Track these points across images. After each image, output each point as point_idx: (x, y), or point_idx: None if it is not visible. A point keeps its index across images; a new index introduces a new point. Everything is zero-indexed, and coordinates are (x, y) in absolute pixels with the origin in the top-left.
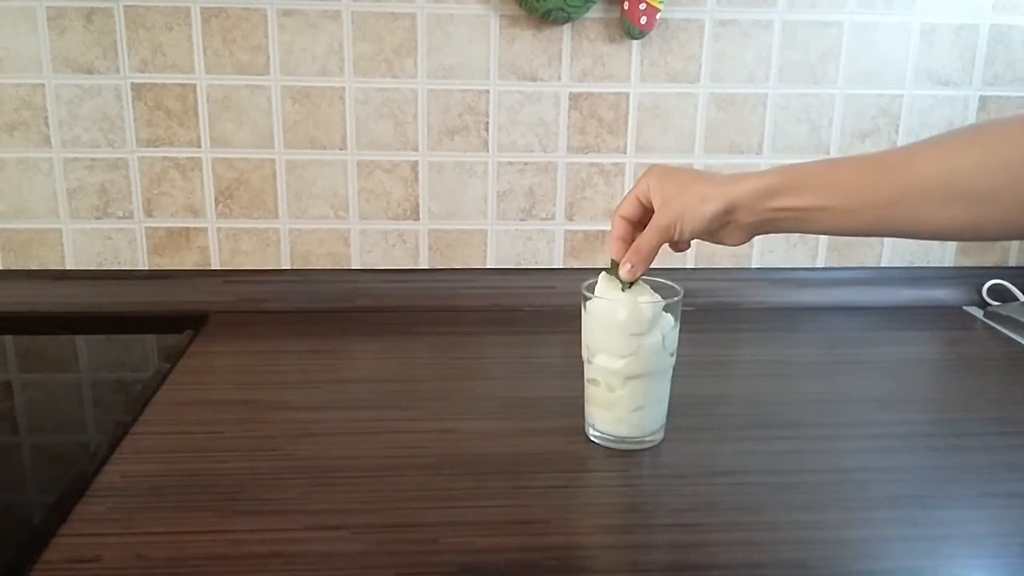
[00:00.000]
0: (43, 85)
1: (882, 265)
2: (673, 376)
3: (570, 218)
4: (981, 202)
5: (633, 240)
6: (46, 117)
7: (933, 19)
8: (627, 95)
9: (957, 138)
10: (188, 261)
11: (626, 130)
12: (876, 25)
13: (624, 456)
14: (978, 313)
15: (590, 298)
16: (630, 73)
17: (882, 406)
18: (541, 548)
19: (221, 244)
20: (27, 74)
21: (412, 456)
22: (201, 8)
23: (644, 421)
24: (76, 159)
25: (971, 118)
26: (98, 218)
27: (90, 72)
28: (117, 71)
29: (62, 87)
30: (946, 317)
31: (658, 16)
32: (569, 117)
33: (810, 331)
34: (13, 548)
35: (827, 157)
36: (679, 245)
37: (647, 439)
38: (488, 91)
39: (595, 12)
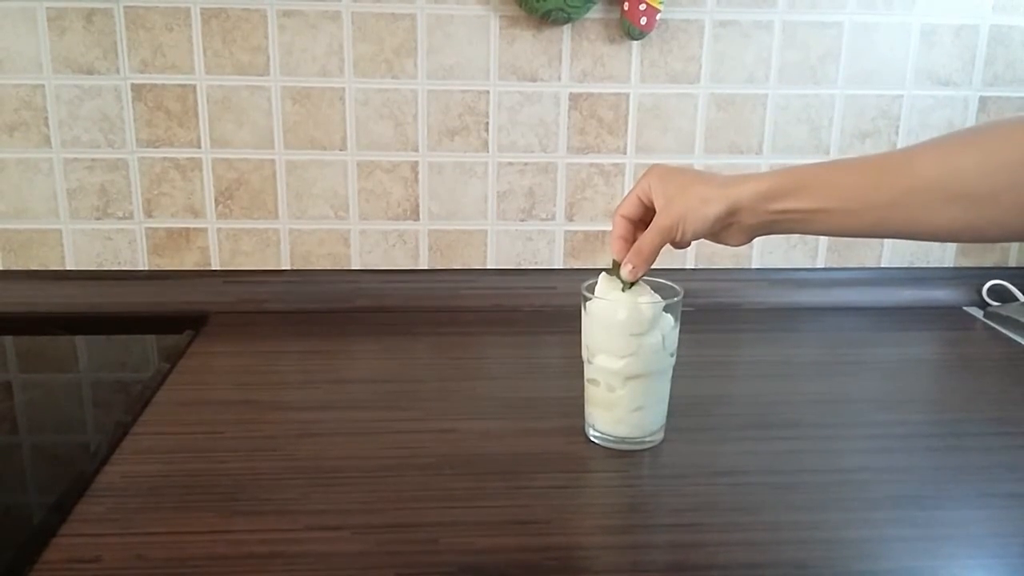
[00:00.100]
0: (43, 85)
1: (882, 265)
2: (673, 376)
3: (570, 218)
4: (981, 204)
5: (634, 239)
6: (46, 117)
7: (933, 19)
8: (627, 95)
9: (957, 140)
10: (188, 261)
11: (626, 130)
12: (876, 25)
13: (624, 456)
14: (978, 313)
15: (590, 298)
16: (630, 74)
17: (882, 406)
18: (541, 548)
19: (221, 244)
20: (27, 74)
21: (412, 456)
22: (201, 9)
23: (644, 421)
24: (76, 159)
25: (971, 118)
26: (98, 218)
27: (90, 72)
28: (117, 71)
29: (62, 87)
30: (946, 317)
31: (658, 17)
32: (569, 117)
33: (810, 331)
34: (13, 548)
35: (828, 159)
36: (680, 244)
37: (647, 439)
38: (488, 91)
39: (595, 12)
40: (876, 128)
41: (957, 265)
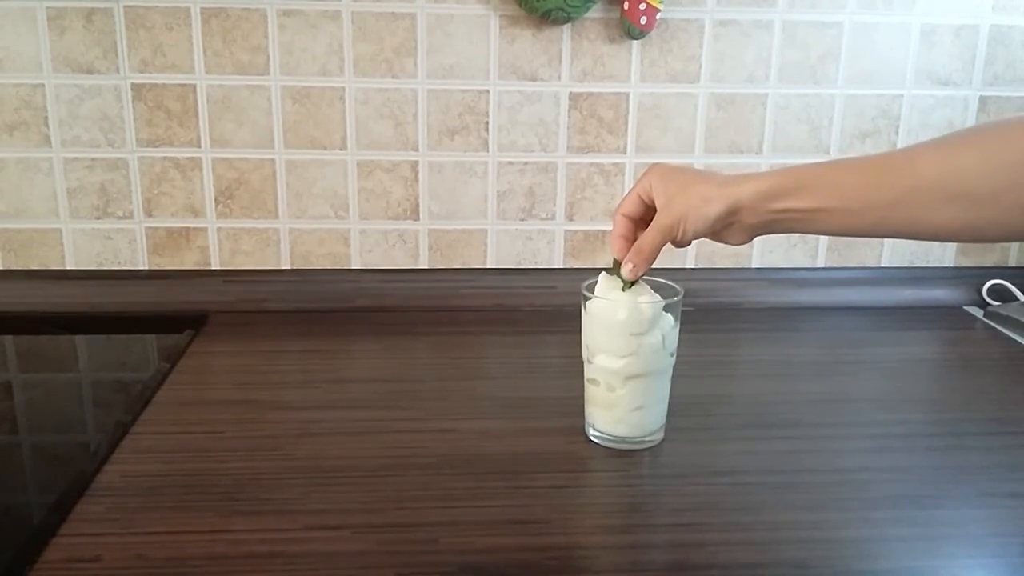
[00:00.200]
0: (43, 85)
1: (882, 265)
2: (673, 376)
3: (570, 218)
4: (981, 204)
5: (635, 238)
6: (46, 117)
7: (933, 19)
8: (627, 95)
9: (957, 140)
10: (188, 261)
11: (626, 130)
12: (876, 25)
13: (624, 456)
14: (978, 313)
15: (590, 298)
16: (630, 73)
17: (882, 406)
18: (541, 548)
19: (221, 244)
20: (27, 74)
21: (412, 456)
22: (201, 8)
23: (644, 421)
24: (76, 159)
25: (971, 118)
26: (98, 218)
27: (90, 72)
28: (117, 71)
29: (62, 87)
30: (946, 317)
31: (658, 16)
32: (569, 117)
33: (810, 331)
34: (13, 548)
35: (828, 158)
36: (681, 243)
37: (647, 439)
38: (488, 91)
39: (595, 12)
40: (876, 128)
41: (957, 265)
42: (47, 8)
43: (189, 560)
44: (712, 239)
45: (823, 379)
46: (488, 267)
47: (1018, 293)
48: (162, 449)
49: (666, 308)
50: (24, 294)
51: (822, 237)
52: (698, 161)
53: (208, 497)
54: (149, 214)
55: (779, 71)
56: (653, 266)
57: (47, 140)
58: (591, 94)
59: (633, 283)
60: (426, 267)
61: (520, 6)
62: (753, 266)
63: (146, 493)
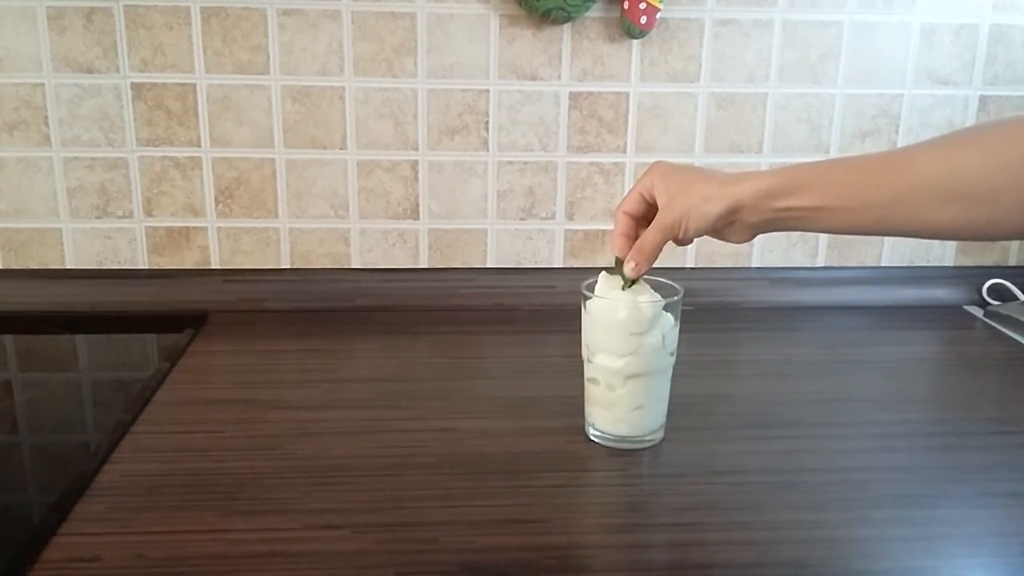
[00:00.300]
0: (43, 85)
1: (882, 264)
2: (673, 375)
3: (570, 217)
4: (981, 203)
5: (636, 236)
6: (46, 116)
7: (933, 19)
8: (627, 94)
9: (958, 139)
10: (188, 260)
11: (626, 129)
12: (876, 25)
13: (624, 455)
14: (978, 312)
15: (590, 297)
16: (630, 72)
17: (882, 405)
18: (541, 547)
19: (221, 244)
20: (27, 74)
21: (412, 455)
22: (201, 8)
23: (644, 420)
24: (76, 158)
25: (971, 118)
26: (98, 217)
27: (90, 72)
28: (117, 71)
29: (62, 87)
30: (946, 317)
31: (658, 15)
32: (569, 116)
33: (810, 331)
34: (13, 548)
35: (829, 157)
36: (682, 241)
37: (647, 438)
38: (488, 91)
39: (595, 11)
40: (876, 127)
41: (957, 264)
42: (47, 8)
43: (189, 560)
44: (713, 237)
45: (823, 379)
46: (488, 267)
47: (1018, 292)
48: (162, 449)
49: (666, 308)
50: (24, 294)
51: (822, 237)
52: (698, 161)
53: (208, 497)
54: (149, 213)
55: (779, 70)
56: (654, 265)
57: (47, 140)
58: (591, 93)
59: (633, 282)
60: (426, 267)
61: (520, 5)
62: (753, 265)
63: (146, 493)
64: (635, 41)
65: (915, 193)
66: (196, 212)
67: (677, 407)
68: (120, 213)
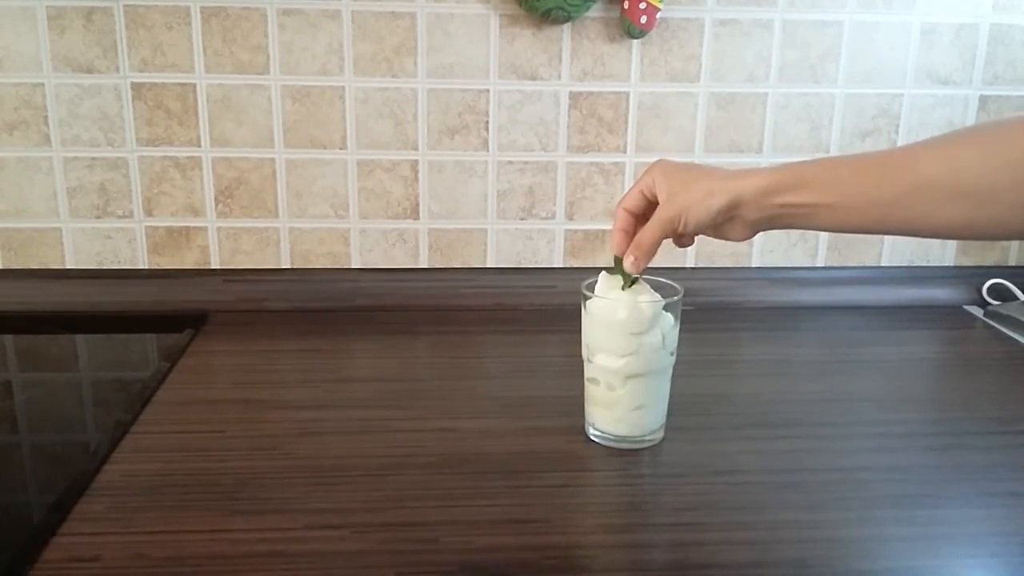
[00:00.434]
0: (43, 84)
1: (882, 264)
2: (673, 375)
3: (570, 217)
4: (981, 202)
5: (635, 233)
6: (46, 116)
7: (933, 19)
8: (627, 94)
9: (959, 138)
10: (188, 260)
11: (626, 129)
12: (876, 25)
13: (624, 455)
14: (978, 312)
15: (590, 297)
16: (630, 72)
17: (882, 405)
18: (541, 547)
19: (221, 243)
20: (27, 73)
21: (412, 455)
22: (201, 7)
23: (644, 420)
24: (76, 158)
25: (971, 118)
26: (98, 217)
27: (90, 71)
28: (117, 70)
29: (62, 86)
30: (946, 317)
31: (658, 15)
32: (569, 116)
33: (810, 330)
34: (13, 548)
35: (830, 155)
36: (683, 240)
37: (647, 438)
38: (488, 90)
39: (595, 11)
40: (876, 127)
41: (957, 264)
42: (47, 7)
43: (189, 559)
44: (713, 235)
45: (823, 378)
46: (488, 266)
47: (1018, 292)
48: (162, 448)
49: (666, 307)
50: (24, 294)
51: (822, 237)
52: (698, 160)
53: (208, 496)
54: (149, 213)
55: (779, 70)
56: (653, 265)
57: (47, 139)
58: (591, 93)
59: (633, 282)
60: (426, 266)
61: (520, 5)
62: (753, 265)
63: (146, 492)
64: (635, 41)
65: (916, 192)
66: (196, 212)
67: (677, 407)
68: (120, 213)
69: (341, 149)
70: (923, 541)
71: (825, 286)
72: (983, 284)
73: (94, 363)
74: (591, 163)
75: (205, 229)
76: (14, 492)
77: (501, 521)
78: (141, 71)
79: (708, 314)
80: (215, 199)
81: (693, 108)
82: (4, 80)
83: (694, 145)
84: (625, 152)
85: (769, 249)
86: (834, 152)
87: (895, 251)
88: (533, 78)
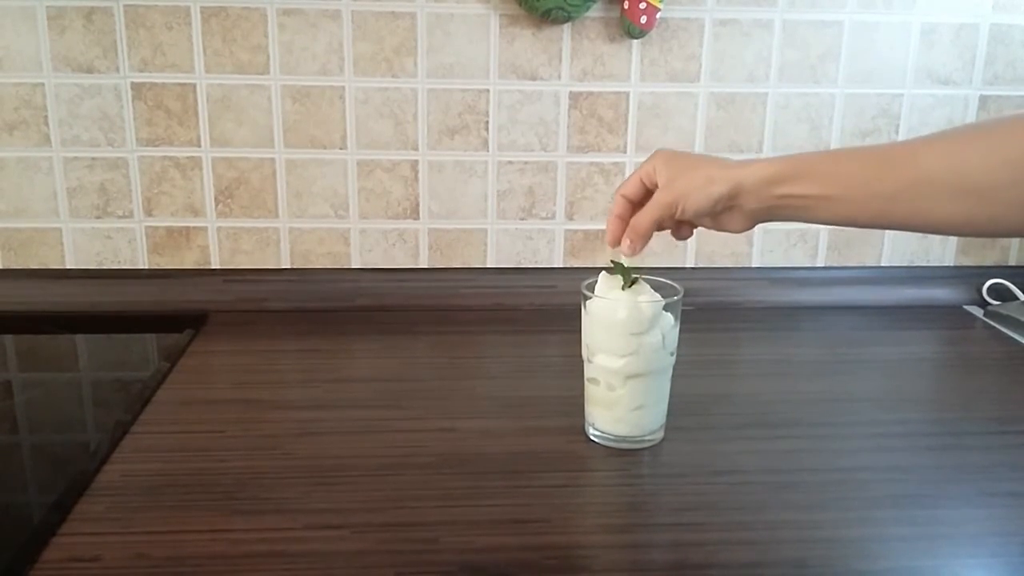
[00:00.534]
0: (43, 84)
1: (882, 264)
2: (673, 375)
3: (570, 217)
4: (982, 198)
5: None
6: (46, 116)
7: (933, 19)
8: (627, 94)
9: (961, 135)
10: (188, 260)
11: (626, 129)
12: (876, 25)
13: (624, 455)
14: (978, 312)
15: (590, 297)
16: (630, 72)
17: (882, 405)
18: (541, 547)
19: (221, 243)
20: (27, 73)
21: (412, 455)
22: (201, 8)
23: (644, 420)
24: (76, 158)
25: (971, 118)
26: (98, 217)
27: (90, 71)
28: (117, 70)
29: (62, 86)
30: (946, 316)
31: (658, 15)
32: (569, 116)
33: (810, 330)
34: (13, 548)
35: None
36: (682, 231)
37: (647, 438)
38: (488, 90)
39: (595, 11)
40: (876, 127)
41: (957, 264)
42: (47, 7)
43: (189, 559)
44: (711, 226)
45: (823, 379)
46: (488, 266)
47: (1018, 292)
48: (162, 448)
49: (666, 307)
50: (24, 294)
51: (822, 237)
52: None
53: (208, 496)
54: (149, 213)
55: (779, 70)
56: (653, 265)
57: (47, 139)
58: (591, 93)
59: (633, 282)
60: (426, 266)
61: (520, 5)
62: (753, 265)
63: (146, 492)
64: (635, 41)
65: (917, 187)
66: (196, 212)
67: (677, 407)
68: (120, 213)
69: (341, 149)
70: (923, 541)
71: (825, 286)
72: (983, 284)
73: (94, 363)
74: (591, 163)
75: (205, 229)
76: (14, 492)
77: (501, 521)
78: (141, 71)
79: (708, 314)
80: (215, 199)
81: (693, 108)
82: (4, 80)
83: (694, 145)
84: (625, 152)
85: (769, 249)
86: None
87: (895, 251)
88: (533, 78)
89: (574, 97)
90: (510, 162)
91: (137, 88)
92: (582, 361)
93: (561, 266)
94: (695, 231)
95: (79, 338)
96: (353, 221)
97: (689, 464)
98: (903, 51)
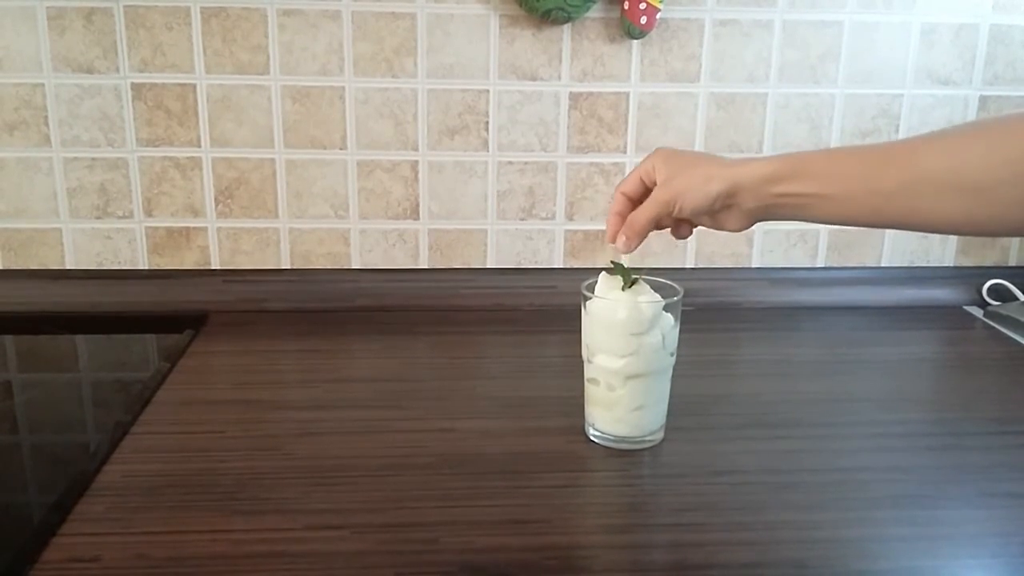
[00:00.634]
0: (43, 85)
1: (882, 265)
2: (673, 376)
3: (570, 218)
4: (982, 197)
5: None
6: (46, 117)
7: (933, 19)
8: (627, 95)
9: (961, 132)
10: (188, 261)
11: (626, 130)
12: (876, 25)
13: (624, 456)
14: (978, 313)
15: (590, 298)
16: (630, 73)
17: (882, 405)
18: (541, 548)
19: (221, 244)
20: (27, 74)
21: (412, 456)
22: (201, 8)
23: (644, 421)
24: (76, 159)
25: (971, 118)
26: (98, 218)
27: (90, 72)
28: (117, 71)
29: (62, 87)
30: (946, 317)
31: (658, 16)
32: (569, 117)
33: (810, 331)
34: (13, 548)
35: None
36: (681, 230)
37: (647, 439)
38: (488, 91)
39: (595, 12)
40: (876, 127)
41: (957, 264)
42: (47, 8)
43: (189, 560)
44: (710, 224)
45: (823, 379)
46: (488, 267)
47: (1018, 293)
48: (162, 449)
49: (666, 308)
50: (24, 294)
51: (822, 237)
52: None
53: (208, 497)
54: (149, 214)
55: (779, 71)
56: (653, 266)
57: (47, 140)
58: (591, 94)
59: (633, 283)
60: (426, 267)
61: (520, 6)
62: (753, 266)
63: (146, 493)
64: (635, 41)
65: (916, 185)
66: (196, 212)
67: (677, 407)
68: (120, 213)
69: (341, 149)
70: (923, 542)
71: (825, 286)
72: (983, 284)
73: (94, 363)
74: (591, 163)
75: (205, 229)
76: (14, 492)
77: (501, 521)
78: (141, 71)
79: (708, 314)
80: (215, 199)
81: (693, 108)
82: (4, 80)
83: (694, 145)
84: (625, 152)
85: (769, 249)
86: None
87: (895, 251)
88: (533, 78)
89: (574, 97)
90: (510, 162)
91: (137, 88)
92: (582, 361)
93: (561, 266)
94: (695, 231)
95: (79, 338)
96: (353, 221)
97: (689, 464)
98: (903, 51)
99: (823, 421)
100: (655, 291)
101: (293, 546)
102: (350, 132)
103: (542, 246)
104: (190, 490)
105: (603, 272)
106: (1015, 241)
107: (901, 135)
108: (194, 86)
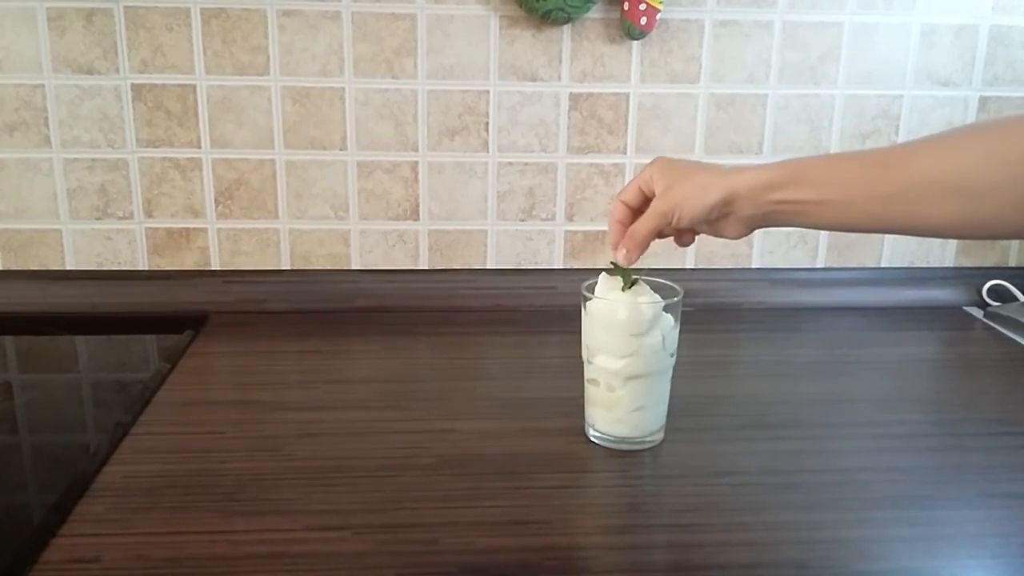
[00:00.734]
0: (43, 85)
1: (882, 265)
2: (673, 376)
3: (570, 218)
4: (980, 200)
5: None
6: (46, 117)
7: (933, 19)
8: (627, 95)
9: (958, 136)
10: (188, 261)
11: (626, 130)
12: (876, 25)
13: (624, 456)
14: (978, 313)
15: (590, 298)
16: (630, 73)
17: (882, 406)
18: (541, 548)
19: (221, 244)
20: (27, 74)
21: (412, 456)
22: (201, 9)
23: (644, 421)
24: (76, 159)
25: (971, 118)
26: (98, 218)
27: (90, 72)
28: (117, 71)
29: (62, 87)
30: (946, 317)
31: (658, 16)
32: (569, 117)
33: (810, 331)
34: (13, 548)
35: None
36: (683, 238)
37: (647, 439)
38: (488, 91)
39: (595, 12)
40: (876, 128)
41: (957, 265)
42: (47, 8)
43: (189, 560)
44: (709, 232)
45: (823, 379)
46: (488, 267)
47: (1018, 293)
48: (162, 449)
49: (666, 308)
50: (24, 294)
51: (822, 238)
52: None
53: (208, 497)
54: (149, 214)
55: (779, 71)
56: (653, 266)
57: (47, 140)
58: (591, 94)
59: (633, 283)
60: (426, 267)
61: (520, 6)
62: (753, 266)
63: (146, 493)
64: (635, 42)
65: (914, 189)
66: (196, 213)
67: (677, 408)
68: (120, 214)
69: (341, 150)
70: (923, 542)
71: (825, 287)
72: (983, 285)
73: (94, 364)
74: (591, 164)
75: (205, 230)
76: (14, 493)
77: (501, 522)
78: (141, 72)
79: (708, 315)
80: (215, 200)
81: (693, 109)
82: (4, 81)
83: (694, 146)
84: (625, 153)
85: (769, 250)
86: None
87: (895, 252)
88: (533, 79)
89: (574, 98)
90: (510, 163)
91: (137, 89)
92: (582, 362)
93: (561, 267)
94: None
95: (79, 339)
96: (353, 222)
97: (689, 465)
98: (903, 52)
99: (823, 422)
100: (655, 292)
101: (293, 547)
102: (350, 133)
103: (542, 247)
104: (190, 491)
105: (603, 273)
106: (1015, 242)
107: (901, 136)
108: (194, 87)
